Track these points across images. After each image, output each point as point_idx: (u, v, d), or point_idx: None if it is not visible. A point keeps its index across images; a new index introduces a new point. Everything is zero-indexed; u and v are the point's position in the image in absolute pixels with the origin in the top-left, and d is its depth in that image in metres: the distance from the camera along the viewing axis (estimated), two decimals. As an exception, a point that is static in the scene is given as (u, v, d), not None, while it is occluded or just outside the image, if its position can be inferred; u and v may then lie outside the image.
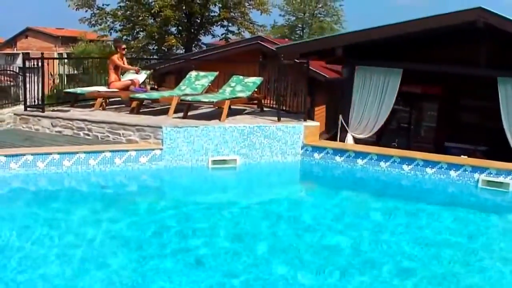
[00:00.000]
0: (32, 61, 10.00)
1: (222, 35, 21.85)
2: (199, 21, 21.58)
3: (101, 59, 14.87)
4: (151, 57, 19.90)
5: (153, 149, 8.11)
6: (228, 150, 8.67)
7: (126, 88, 10.40)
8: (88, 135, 8.62)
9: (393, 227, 6.63)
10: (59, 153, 7.54)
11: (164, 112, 9.47)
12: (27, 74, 13.56)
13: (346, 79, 10.07)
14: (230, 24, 21.72)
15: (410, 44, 10.13)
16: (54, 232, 5.74)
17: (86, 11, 21.85)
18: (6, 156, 7.28)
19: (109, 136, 8.46)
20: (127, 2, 21.15)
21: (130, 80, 10.53)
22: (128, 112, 9.58)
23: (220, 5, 20.49)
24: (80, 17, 22.08)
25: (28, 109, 9.38)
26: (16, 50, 52.32)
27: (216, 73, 10.59)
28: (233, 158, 8.73)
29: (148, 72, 11.26)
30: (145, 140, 8.25)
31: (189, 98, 9.05)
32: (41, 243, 5.48)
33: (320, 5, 33.81)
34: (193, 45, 21.46)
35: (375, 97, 10.20)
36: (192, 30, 21.21)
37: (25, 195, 7.18)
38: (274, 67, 11.10)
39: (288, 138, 9.15)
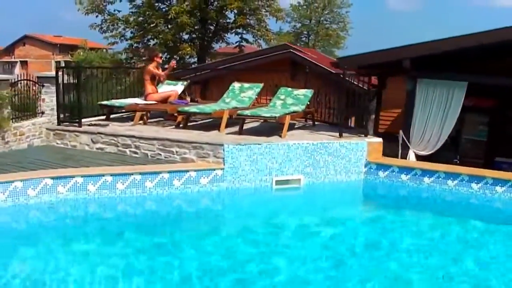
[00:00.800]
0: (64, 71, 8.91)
1: (236, 42, 21.01)
2: (213, 28, 20.74)
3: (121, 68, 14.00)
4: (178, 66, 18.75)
5: (214, 169, 7.16)
6: (293, 169, 7.77)
7: (164, 101, 9.44)
8: (136, 153, 7.63)
9: (482, 252, 5.96)
10: (112, 175, 6.54)
11: (207, 126, 8.58)
12: (46, 85, 12.71)
13: (408, 93, 9.25)
14: (244, 32, 20.92)
15: (472, 56, 9.38)
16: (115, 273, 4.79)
17: (97, 16, 20.83)
18: (53, 178, 6.27)
19: (160, 154, 7.48)
20: (140, 7, 20.18)
21: (169, 91, 9.58)
22: (173, 126, 8.63)
23: (236, 12, 19.59)
24: (90, 23, 21.00)
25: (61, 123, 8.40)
26: (14, 58, 51.04)
27: (261, 85, 9.70)
28: (297, 178, 7.85)
29: (185, 83, 10.31)
30: (203, 159, 7.30)
31: (247, 112, 8.11)
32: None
33: (326, 12, 33.21)
34: (207, 53, 20.53)
35: (438, 111, 9.39)
36: (206, 38, 20.29)
37: (75, 224, 6.18)
38: (316, 77, 10.34)
39: (352, 156, 8.32)
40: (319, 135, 8.62)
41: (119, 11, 20.87)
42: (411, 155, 9.56)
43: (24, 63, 49.11)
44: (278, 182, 7.70)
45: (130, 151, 7.66)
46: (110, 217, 6.50)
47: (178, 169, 6.92)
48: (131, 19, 20.27)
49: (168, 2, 19.96)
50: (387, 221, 7.27)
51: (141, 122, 8.76)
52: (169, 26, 19.40)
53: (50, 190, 6.28)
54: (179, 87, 9.97)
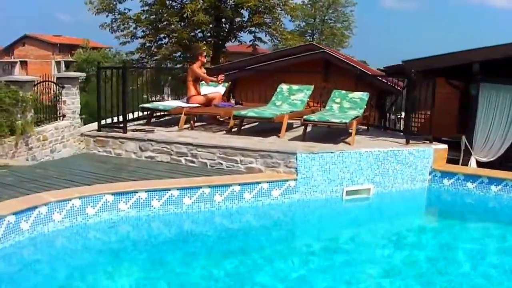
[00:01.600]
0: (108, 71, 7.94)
1: (250, 41, 20.15)
2: (228, 26, 19.88)
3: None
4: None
5: (287, 180, 6.35)
6: (363, 178, 7.00)
7: (208, 103, 8.59)
8: (193, 162, 6.77)
9: None
10: (178, 189, 5.70)
11: (258, 131, 7.80)
12: (67, 86, 11.75)
13: (472, 98, 8.56)
14: (258, 30, 20.07)
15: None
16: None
17: (107, 16, 19.87)
18: (114, 194, 5.41)
19: (221, 164, 6.64)
20: (151, 5, 19.24)
21: (214, 93, 8.72)
22: (224, 132, 7.78)
23: (252, 10, 18.71)
24: (100, 23, 20.00)
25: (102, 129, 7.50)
26: (14, 58, 49.46)
27: (311, 87, 8.89)
28: (367, 187, 7.09)
29: (227, 84, 9.45)
30: (272, 169, 6.47)
31: (314, 118, 7.28)
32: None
33: (331, 11, 32.49)
34: (221, 53, 19.63)
35: (501, 116, 8.73)
36: (220, 37, 19.42)
37: (140, 246, 5.32)
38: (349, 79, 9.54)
39: (419, 163, 7.59)
40: (381, 141, 7.86)
41: (129, 10, 20.00)
42: (473, 162, 8.87)
43: (23, 63, 47.67)
44: (349, 193, 6.93)
45: (185, 160, 6.80)
46: (178, 236, 5.65)
47: (249, 181, 6.10)
48: (143, 17, 19.34)
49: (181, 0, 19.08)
50: (461, 231, 6.62)
51: (186, 126, 7.92)
52: (183, 24, 18.47)
53: (110, 207, 5.41)
54: (221, 88, 9.12)
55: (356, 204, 7.05)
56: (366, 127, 8.96)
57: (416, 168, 7.60)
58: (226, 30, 19.76)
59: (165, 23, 19.22)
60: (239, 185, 6.03)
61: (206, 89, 8.95)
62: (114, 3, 19.42)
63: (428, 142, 7.97)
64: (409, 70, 7.70)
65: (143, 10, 19.63)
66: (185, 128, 7.92)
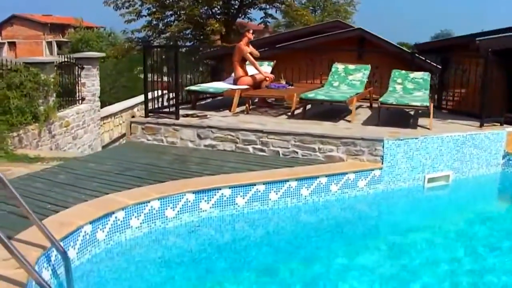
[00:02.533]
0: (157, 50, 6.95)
1: (261, 18, 19.09)
2: (238, 3, 18.78)
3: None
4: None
5: (373, 170, 5.57)
6: (443, 165, 6.26)
7: (258, 85, 7.70)
8: (262, 150, 5.92)
9: None
10: (265, 183, 4.88)
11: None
12: (87, 67, 10.67)
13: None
14: (268, 7, 19.02)
15: None
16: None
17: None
18: (195, 192, 4.56)
19: (296, 152, 5.81)
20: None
21: (264, 73, 7.80)
22: (287, 117, 6.93)
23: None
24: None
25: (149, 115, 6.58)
26: (1, 39, 46.99)
27: (368, 66, 8.04)
28: (447, 174, 6.36)
29: (272, 63, 8.52)
30: (354, 157, 5.68)
31: (392, 100, 6.44)
32: None
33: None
34: (231, 30, 18.52)
35: None
36: (230, 14, 18.33)
37: (228, 252, 4.51)
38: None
39: (493, 147, 6.90)
40: (451, 124, 7.09)
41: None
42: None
43: (12, 44, 45.39)
44: (430, 180, 6.22)
45: (254, 148, 5.94)
46: (265, 238, 4.83)
47: (336, 172, 5.30)
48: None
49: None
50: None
51: (244, 111, 7.03)
52: (194, 1, 17.32)
53: (191, 208, 4.57)
54: (267, 68, 8.22)
55: (439, 192, 6.33)
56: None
57: (491, 152, 6.89)
58: (236, 6, 18.65)
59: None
60: (326, 176, 5.23)
61: (252, 69, 8.03)
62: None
63: (498, 124, 7.28)
64: (485, 49, 6.90)
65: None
66: (238, 112, 7.07)
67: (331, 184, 5.29)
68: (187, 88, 7.52)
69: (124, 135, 13.11)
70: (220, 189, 4.67)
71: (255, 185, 4.82)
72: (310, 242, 4.79)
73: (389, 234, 5.19)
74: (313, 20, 18.91)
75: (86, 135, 10.49)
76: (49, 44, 44.84)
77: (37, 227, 3.24)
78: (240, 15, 19.10)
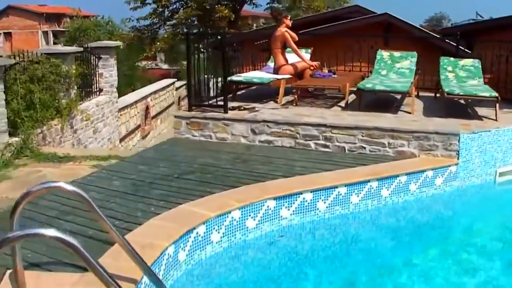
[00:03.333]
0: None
1: (267, 4, 18.27)
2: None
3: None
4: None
5: (449, 166, 5.00)
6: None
7: (301, 74, 7.05)
8: (326, 146, 5.30)
9: None
10: (346, 185, 4.28)
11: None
12: (104, 57, 9.88)
13: None
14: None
15: None
16: None
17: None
18: (275, 199, 3.94)
19: (363, 148, 5.21)
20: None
21: (307, 62, 7.13)
22: (341, 108, 6.30)
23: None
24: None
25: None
26: None
27: (415, 53, 7.39)
28: (514, 168, 5.84)
29: (310, 50, 7.84)
30: (427, 152, 5.10)
31: (458, 91, 5.82)
32: None
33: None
34: (238, 17, 17.72)
35: None
36: (237, 0, 17.53)
37: (309, 265, 3.92)
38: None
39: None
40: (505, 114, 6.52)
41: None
42: None
43: (8, 35, 43.73)
44: (501, 174, 5.68)
45: (316, 144, 5.33)
46: (344, 246, 4.26)
47: (416, 170, 4.72)
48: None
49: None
50: None
51: (293, 103, 6.37)
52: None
53: (272, 216, 3.95)
54: (305, 55, 7.53)
55: (509, 186, 5.82)
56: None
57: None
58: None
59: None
60: (406, 175, 4.66)
61: (294, 57, 7.32)
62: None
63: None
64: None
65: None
66: (286, 104, 6.43)
67: (410, 183, 4.72)
68: (229, 78, 6.80)
69: (139, 126, 12.40)
70: (301, 194, 4.06)
71: (336, 187, 4.23)
72: (392, 247, 4.23)
73: (468, 235, 4.66)
74: (323, 5, 18.14)
75: (105, 128, 9.77)
76: (45, 34, 43.37)
77: (129, 255, 2.61)
78: (246, 1, 18.31)
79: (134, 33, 17.76)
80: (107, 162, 5.54)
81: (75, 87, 8.51)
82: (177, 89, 15.74)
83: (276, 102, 6.51)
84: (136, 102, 11.63)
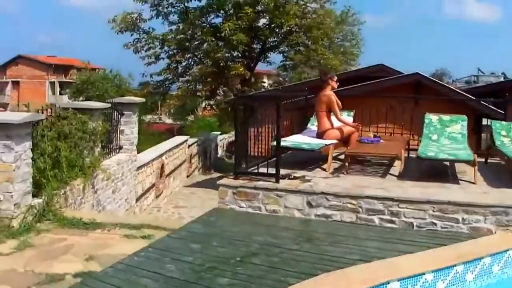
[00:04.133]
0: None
1: (281, 62, 18.32)
2: (260, 46, 18.09)
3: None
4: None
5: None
6: None
7: (347, 138, 6.68)
8: (392, 221, 4.82)
9: None
10: (433, 271, 3.76)
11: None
12: (127, 113, 9.53)
13: None
14: (290, 50, 18.28)
15: None
16: None
17: (132, 34, 17.80)
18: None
19: (434, 224, 4.72)
20: (178, 24, 17.25)
21: (352, 125, 6.79)
22: (397, 177, 5.87)
23: (289, 30, 16.87)
24: (124, 42, 17.82)
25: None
26: (6, 78, 45.58)
27: (465, 117, 7.09)
28: None
29: (352, 112, 7.52)
30: (504, 228, 4.64)
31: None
32: None
33: (340, 34, 30.60)
34: (252, 75, 17.67)
35: None
36: (252, 58, 17.52)
37: None
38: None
39: None
40: None
41: (153, 29, 17.91)
42: None
43: (15, 84, 43.95)
44: None
45: (380, 219, 4.86)
46: None
47: (499, 250, 4.24)
48: (170, 37, 17.24)
49: (213, 15, 17.12)
50: None
51: (344, 171, 5.96)
52: (219, 44, 16.48)
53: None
54: (347, 118, 7.21)
55: None
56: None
57: None
58: (258, 50, 17.88)
59: (196, 42, 17.28)
60: (489, 256, 4.17)
61: (335, 120, 6.96)
62: (138, 23, 17.34)
63: None
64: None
65: (171, 30, 17.75)
66: (336, 172, 6.01)
67: (493, 265, 4.22)
68: (273, 144, 6.32)
69: (154, 185, 11.87)
70: (388, 284, 3.54)
71: (423, 274, 3.71)
72: None
73: None
74: (339, 64, 18.15)
75: (123, 188, 9.27)
76: (52, 84, 43.65)
77: None
78: (260, 59, 18.35)
79: (147, 88, 17.64)
80: (140, 232, 5.06)
81: (100, 145, 8.12)
82: (189, 146, 15.42)
83: (324, 169, 6.09)
84: (152, 160, 11.21)
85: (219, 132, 21.61)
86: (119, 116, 9.32)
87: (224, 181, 5.46)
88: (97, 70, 32.22)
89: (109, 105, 8.46)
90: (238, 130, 5.60)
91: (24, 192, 5.48)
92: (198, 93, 17.86)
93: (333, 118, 6.79)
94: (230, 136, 26.68)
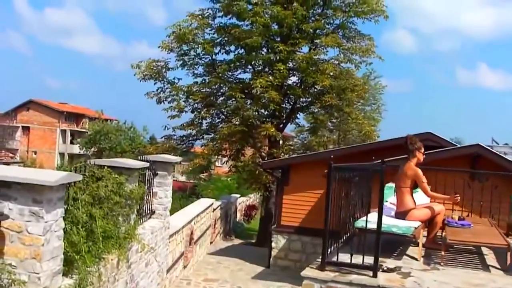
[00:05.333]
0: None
1: (311, 124, 17.52)
2: (290, 106, 17.45)
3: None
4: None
5: None
6: None
7: (432, 219, 5.71)
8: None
9: None
10: None
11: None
12: (161, 173, 8.60)
13: None
14: (321, 112, 17.61)
15: None
16: None
17: (155, 83, 17.23)
18: None
19: None
20: (205, 77, 16.87)
21: (438, 205, 5.84)
22: (504, 271, 4.87)
23: (322, 91, 16.28)
24: (147, 91, 17.30)
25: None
26: (16, 123, 45.14)
27: None
28: None
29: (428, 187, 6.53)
30: None
31: None
32: None
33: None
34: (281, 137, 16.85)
35: None
36: (281, 118, 16.78)
37: None
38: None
39: None
40: None
41: (179, 79, 17.44)
42: None
43: (26, 129, 43.41)
44: None
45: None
46: None
47: None
48: (195, 89, 16.75)
49: (241, 70, 16.77)
50: None
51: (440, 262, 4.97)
52: (249, 102, 15.87)
53: None
54: (422, 197, 6.24)
55: None
56: None
57: None
58: (288, 110, 17.21)
59: (221, 98, 16.71)
60: None
61: (420, 198, 5.99)
62: (163, 71, 16.90)
63: None
64: None
65: (195, 82, 17.20)
66: (428, 262, 5.01)
67: None
68: (361, 225, 5.27)
69: (182, 254, 10.70)
70: None
71: None
72: None
73: None
74: (372, 130, 17.30)
75: (156, 259, 8.19)
76: (63, 132, 43.08)
77: None
78: (290, 120, 17.64)
79: (169, 143, 16.83)
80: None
81: (135, 211, 7.16)
82: (213, 210, 14.42)
83: (412, 257, 5.10)
84: (183, 226, 10.15)
85: (238, 195, 20.63)
86: (153, 176, 8.41)
87: (309, 272, 4.43)
88: (109, 121, 31.78)
89: (147, 164, 7.57)
90: (329, 208, 4.63)
91: (53, 273, 4.49)
92: (222, 152, 17.00)
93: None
94: (247, 199, 25.65)
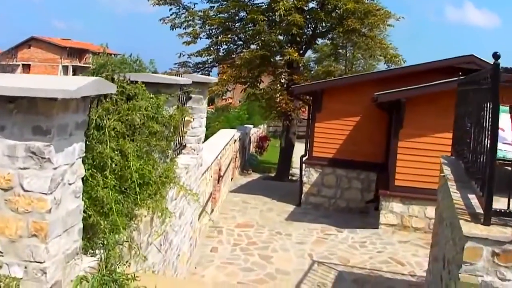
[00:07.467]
0: None
1: (331, 50, 14.93)
2: (311, 31, 14.66)
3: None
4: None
5: None
6: None
7: None
8: None
9: None
10: None
11: None
12: (196, 97, 6.14)
13: None
14: (344, 38, 15.04)
15: None
16: None
17: (170, 9, 14.30)
18: None
19: None
20: (222, 1, 13.97)
21: None
22: None
23: (345, 14, 13.61)
24: (161, 17, 14.39)
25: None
26: (16, 61, 41.20)
27: None
28: None
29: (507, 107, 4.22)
30: None
31: None
32: None
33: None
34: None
35: None
36: (301, 43, 14.24)
37: None
38: None
39: None
40: None
41: (195, 4, 14.55)
42: None
43: (26, 67, 39.61)
44: None
45: None
46: None
47: None
48: (211, 13, 13.97)
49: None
50: None
51: None
52: (272, 25, 13.14)
53: None
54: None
55: None
56: None
57: None
58: (309, 35, 14.57)
59: (237, 24, 14.03)
60: None
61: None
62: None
63: None
64: None
65: (212, 7, 14.24)
66: None
67: None
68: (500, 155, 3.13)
69: (211, 195, 8.37)
70: None
71: None
72: None
73: None
74: (398, 54, 14.79)
75: (189, 206, 5.90)
76: (65, 68, 39.45)
77: None
78: (311, 45, 15.01)
79: (184, 69, 14.28)
80: None
81: (172, 145, 4.79)
82: (234, 142, 12.14)
83: None
84: (211, 162, 7.82)
85: (251, 125, 18.28)
86: (185, 100, 5.95)
87: (475, 229, 2.25)
88: (114, 55, 28.52)
89: (190, 80, 5.09)
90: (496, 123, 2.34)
91: (67, 256, 2.30)
92: (240, 80, 14.58)
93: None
94: (257, 130, 23.45)
